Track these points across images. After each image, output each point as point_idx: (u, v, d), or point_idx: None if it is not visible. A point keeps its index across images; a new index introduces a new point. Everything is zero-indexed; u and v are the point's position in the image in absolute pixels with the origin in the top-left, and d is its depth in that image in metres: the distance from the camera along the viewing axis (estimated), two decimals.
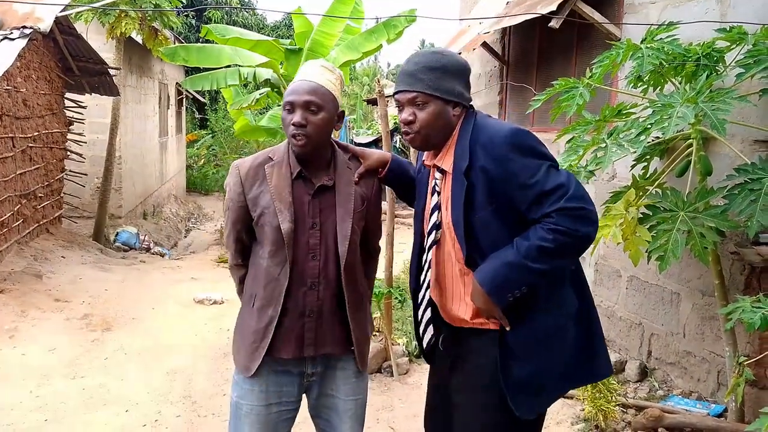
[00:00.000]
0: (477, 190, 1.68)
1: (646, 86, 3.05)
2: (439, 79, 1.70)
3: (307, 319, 1.85)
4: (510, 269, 1.62)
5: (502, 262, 1.64)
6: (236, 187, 1.88)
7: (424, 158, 1.90)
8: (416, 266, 1.92)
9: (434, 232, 1.80)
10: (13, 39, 6.26)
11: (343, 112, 1.92)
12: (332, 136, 1.91)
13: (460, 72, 1.74)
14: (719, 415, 3.18)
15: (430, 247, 1.82)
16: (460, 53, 1.84)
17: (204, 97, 18.88)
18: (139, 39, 10.17)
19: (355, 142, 13.46)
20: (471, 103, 1.81)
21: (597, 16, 4.11)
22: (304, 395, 1.98)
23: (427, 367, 2.06)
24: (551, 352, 1.74)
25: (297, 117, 1.77)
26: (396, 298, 4.21)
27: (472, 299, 1.71)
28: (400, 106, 1.78)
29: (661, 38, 2.89)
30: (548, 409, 3.53)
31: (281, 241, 1.81)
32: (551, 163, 1.67)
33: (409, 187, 2.02)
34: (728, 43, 2.79)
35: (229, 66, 7.85)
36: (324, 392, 1.96)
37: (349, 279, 1.88)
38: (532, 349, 1.73)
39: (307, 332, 1.85)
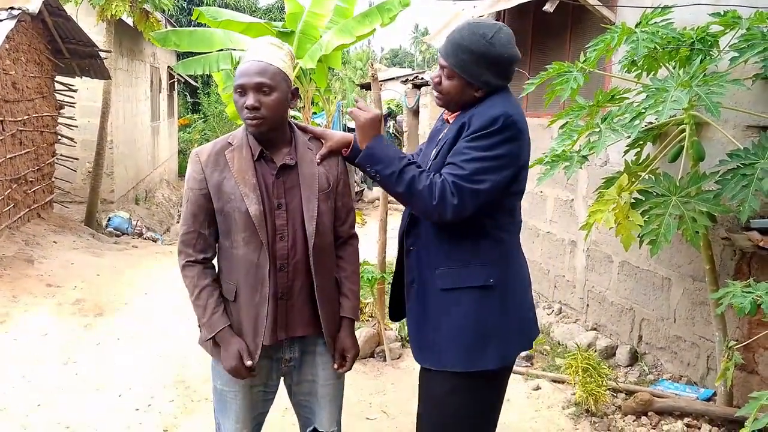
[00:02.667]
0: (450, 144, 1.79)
1: (639, 71, 3.04)
2: (472, 63, 1.75)
3: (279, 301, 1.83)
4: (390, 151, 1.77)
5: (394, 149, 1.80)
6: (197, 174, 1.82)
7: (444, 114, 1.99)
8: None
9: None
10: (1, 20, 6.17)
11: (297, 89, 1.88)
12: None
13: (498, 64, 1.76)
14: (708, 399, 3.22)
15: None
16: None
17: (196, 81, 18.73)
18: (129, 21, 10.05)
19: (348, 127, 13.40)
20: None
21: (592, 0, 4.08)
22: (282, 381, 1.99)
23: None
24: (445, 310, 1.82)
25: (250, 100, 1.73)
26: (389, 283, 4.20)
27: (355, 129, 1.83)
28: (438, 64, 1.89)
29: (655, 22, 2.87)
30: (540, 392, 3.59)
31: (253, 225, 1.78)
32: (498, 162, 1.70)
33: None
34: (722, 28, 2.78)
35: (221, 50, 7.78)
36: (303, 378, 1.96)
37: (319, 261, 1.84)
38: (425, 295, 1.86)
39: (279, 315, 1.84)
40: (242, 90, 1.75)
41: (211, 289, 1.85)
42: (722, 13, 2.72)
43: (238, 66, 1.80)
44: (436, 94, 1.88)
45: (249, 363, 1.81)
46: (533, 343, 1.97)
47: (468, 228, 1.77)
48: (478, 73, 1.77)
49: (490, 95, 1.80)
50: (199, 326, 1.88)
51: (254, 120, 1.75)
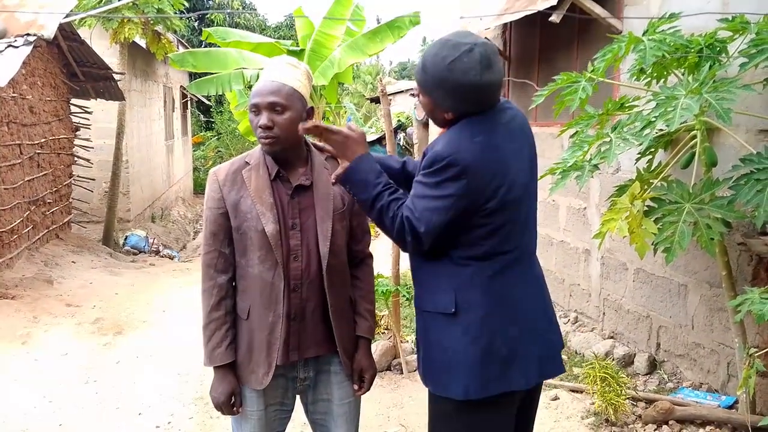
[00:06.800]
0: None
1: (649, 78, 3.04)
2: (433, 86, 1.68)
3: (292, 322, 1.84)
4: (368, 175, 1.72)
5: (374, 171, 1.73)
6: (215, 193, 1.84)
7: None
8: None
9: None
10: (18, 47, 6.31)
11: (312, 108, 1.88)
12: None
13: (455, 91, 1.66)
14: (730, 407, 3.18)
15: None
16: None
17: (209, 100, 18.95)
18: (142, 43, 10.23)
19: None
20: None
21: (598, 10, 4.10)
22: (298, 398, 2.00)
23: None
24: (436, 336, 1.77)
25: (263, 119, 1.75)
26: (404, 295, 4.22)
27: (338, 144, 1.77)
28: None
29: (662, 30, 2.87)
30: (558, 402, 3.57)
31: (268, 244, 1.79)
32: (443, 202, 1.64)
33: (396, 182, 1.95)
34: (731, 33, 2.77)
35: (234, 69, 7.90)
36: (318, 397, 1.96)
37: (333, 281, 1.85)
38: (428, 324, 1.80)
39: (292, 336, 1.84)
40: (256, 109, 1.78)
41: (220, 322, 1.85)
42: (730, 19, 2.72)
43: (254, 86, 1.83)
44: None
45: (239, 411, 1.88)
46: (532, 382, 1.77)
47: (436, 253, 1.73)
48: (440, 97, 1.68)
49: (461, 118, 1.71)
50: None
51: (267, 139, 1.77)
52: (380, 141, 13.46)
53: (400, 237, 1.70)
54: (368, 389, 1.98)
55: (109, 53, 9.46)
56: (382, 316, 4.52)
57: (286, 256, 1.81)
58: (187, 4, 10.46)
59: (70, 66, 8.50)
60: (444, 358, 1.73)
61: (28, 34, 6.64)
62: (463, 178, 1.62)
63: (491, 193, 1.66)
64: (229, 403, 1.86)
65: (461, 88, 1.64)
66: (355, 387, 1.95)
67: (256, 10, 21.05)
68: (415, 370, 4.11)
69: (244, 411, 1.90)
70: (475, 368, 1.69)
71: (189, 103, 17.41)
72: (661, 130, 3.12)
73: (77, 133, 8.89)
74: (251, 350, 1.86)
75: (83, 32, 8.64)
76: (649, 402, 3.37)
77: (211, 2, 18.47)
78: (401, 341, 4.24)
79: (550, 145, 4.89)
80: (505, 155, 1.70)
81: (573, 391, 3.66)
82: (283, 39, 11.60)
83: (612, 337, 4.30)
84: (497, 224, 1.69)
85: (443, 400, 1.75)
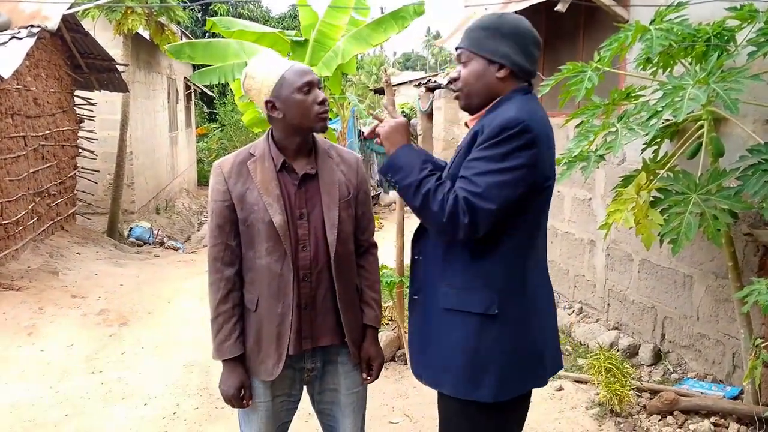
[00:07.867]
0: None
1: (655, 68, 3.01)
2: (487, 38, 1.65)
3: (303, 311, 1.84)
4: (414, 159, 1.65)
5: (420, 156, 1.67)
6: (220, 185, 1.83)
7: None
8: None
9: None
10: (21, 38, 6.30)
11: None
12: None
13: (514, 35, 1.65)
14: (735, 398, 3.17)
15: None
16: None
17: (212, 91, 18.93)
18: (146, 34, 10.20)
19: (362, 132, 13.44)
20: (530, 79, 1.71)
21: None
22: (305, 389, 2.00)
23: None
24: (442, 334, 1.70)
25: (322, 94, 1.78)
26: (408, 287, 4.21)
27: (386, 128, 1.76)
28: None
29: (670, 19, 2.85)
30: (563, 393, 3.57)
31: (276, 235, 1.78)
32: (512, 175, 1.54)
33: None
34: (739, 22, 2.75)
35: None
36: (326, 387, 1.97)
37: (341, 269, 1.85)
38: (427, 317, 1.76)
39: (304, 324, 1.84)
40: (309, 87, 1.77)
41: (228, 315, 1.85)
42: (739, 7, 2.70)
43: (289, 69, 1.79)
44: (456, 93, 1.74)
45: (249, 404, 1.87)
46: (547, 379, 1.76)
47: (480, 248, 1.62)
48: (495, 46, 1.64)
49: (508, 98, 1.64)
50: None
51: (326, 113, 1.79)
52: None
53: (453, 220, 1.54)
54: (376, 377, 1.98)
55: (112, 45, 9.44)
56: (386, 307, 4.52)
57: (294, 247, 1.81)
58: None
59: (74, 57, 8.48)
60: (474, 359, 1.64)
61: (31, 26, 6.63)
62: (534, 147, 1.56)
63: (549, 170, 1.62)
64: (238, 396, 1.86)
65: (518, 31, 1.66)
66: (364, 375, 1.95)
67: (260, 0, 20.97)
68: None
69: (252, 402, 1.90)
70: (513, 368, 1.64)
71: (193, 94, 17.39)
72: (668, 120, 3.10)
73: (81, 124, 8.89)
74: (260, 342, 1.86)
75: (87, 23, 8.61)
76: (654, 393, 3.37)
77: None
78: (405, 332, 4.24)
79: (555, 135, 4.87)
80: (551, 135, 1.69)
81: (578, 381, 3.67)
82: (287, 30, 11.53)
83: (617, 328, 4.30)
84: (545, 208, 1.67)
85: (464, 402, 1.68)
